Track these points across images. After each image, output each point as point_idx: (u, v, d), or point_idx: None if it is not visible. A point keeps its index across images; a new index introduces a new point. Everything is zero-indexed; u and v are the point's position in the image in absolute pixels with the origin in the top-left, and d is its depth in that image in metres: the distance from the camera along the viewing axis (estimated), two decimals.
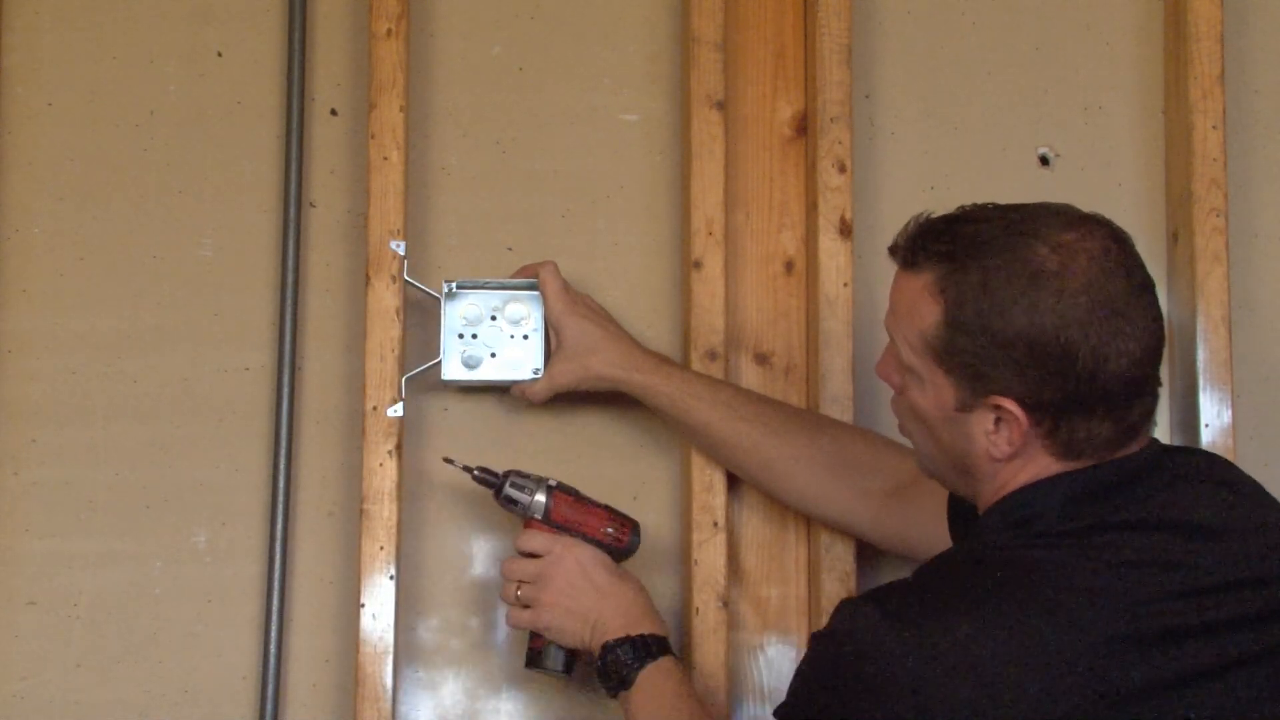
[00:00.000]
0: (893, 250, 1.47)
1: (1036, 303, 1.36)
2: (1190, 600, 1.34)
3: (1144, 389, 1.40)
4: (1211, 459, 1.55)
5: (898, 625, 1.33)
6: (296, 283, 1.91)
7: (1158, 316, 1.41)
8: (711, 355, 1.87)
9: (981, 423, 1.41)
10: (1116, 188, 2.00)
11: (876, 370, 1.55)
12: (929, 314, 1.41)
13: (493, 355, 1.85)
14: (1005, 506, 1.43)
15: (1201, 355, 1.89)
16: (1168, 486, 1.42)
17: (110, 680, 1.86)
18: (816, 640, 1.42)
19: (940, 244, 1.42)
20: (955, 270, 1.40)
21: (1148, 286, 1.41)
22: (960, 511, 1.61)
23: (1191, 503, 1.42)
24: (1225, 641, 1.34)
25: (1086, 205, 1.46)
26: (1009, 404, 1.38)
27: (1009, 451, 1.41)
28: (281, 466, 1.88)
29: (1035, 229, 1.39)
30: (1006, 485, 1.43)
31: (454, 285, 1.85)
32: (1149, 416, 1.42)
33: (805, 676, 1.42)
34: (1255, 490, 1.48)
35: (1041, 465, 1.41)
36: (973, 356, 1.39)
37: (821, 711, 1.38)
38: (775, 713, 1.44)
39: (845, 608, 1.40)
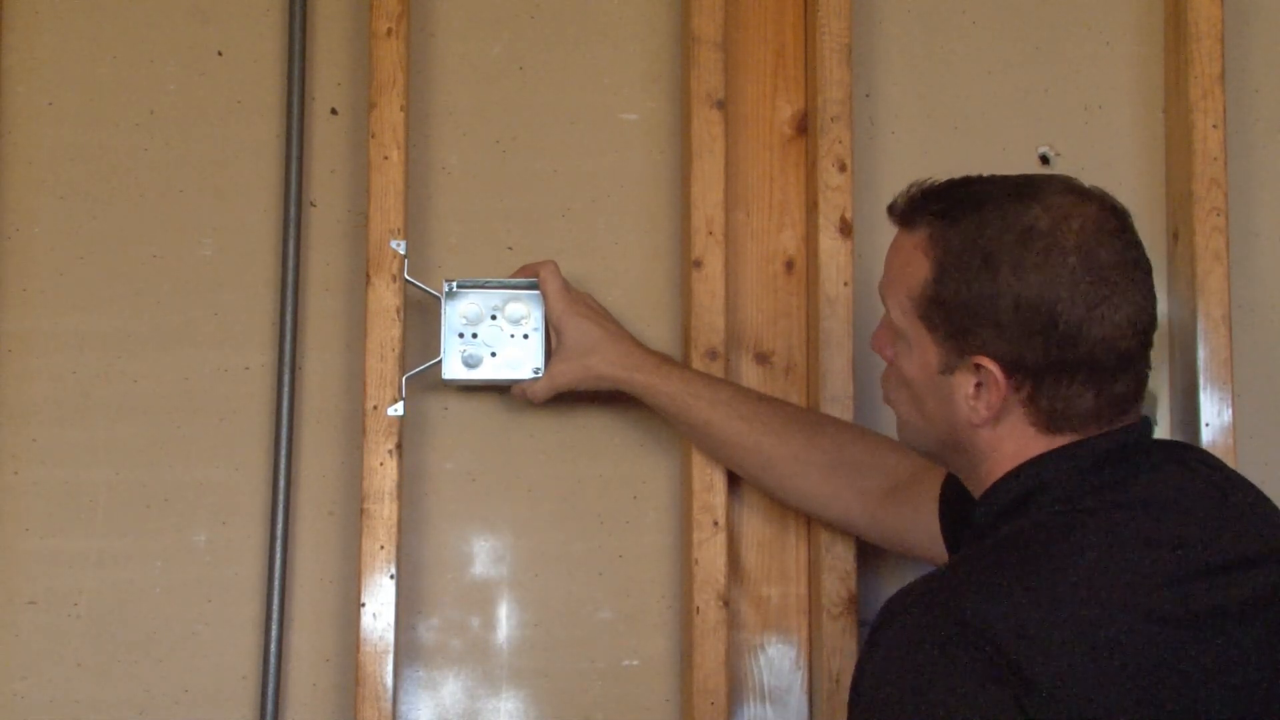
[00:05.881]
0: (891, 209, 1.47)
1: (1023, 259, 1.36)
2: (1193, 583, 1.32)
3: (1129, 362, 1.38)
4: (1189, 447, 1.54)
5: (978, 597, 1.28)
6: (296, 282, 1.91)
7: (1150, 295, 1.40)
8: (712, 354, 1.87)
9: (963, 386, 1.40)
10: (1117, 187, 1.95)
11: (872, 342, 1.53)
12: (919, 271, 1.41)
13: (493, 354, 1.85)
14: (1002, 487, 1.40)
15: (1201, 355, 1.89)
16: (1159, 466, 1.40)
17: (110, 680, 1.86)
18: (882, 648, 1.32)
19: (938, 202, 1.42)
20: (948, 226, 1.40)
21: (1141, 264, 1.40)
22: (951, 510, 1.60)
23: (1182, 484, 1.40)
24: (1216, 626, 1.34)
25: None
26: (988, 363, 1.37)
27: (987, 416, 1.39)
28: (281, 466, 1.88)
29: (1033, 191, 1.39)
30: (990, 457, 1.41)
31: (454, 284, 1.85)
32: (1137, 395, 1.40)
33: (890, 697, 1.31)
34: (1232, 473, 1.46)
35: (1023, 437, 1.40)
36: (957, 313, 1.38)
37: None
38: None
39: (905, 614, 1.32)
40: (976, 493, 1.45)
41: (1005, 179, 1.43)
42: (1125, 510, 1.35)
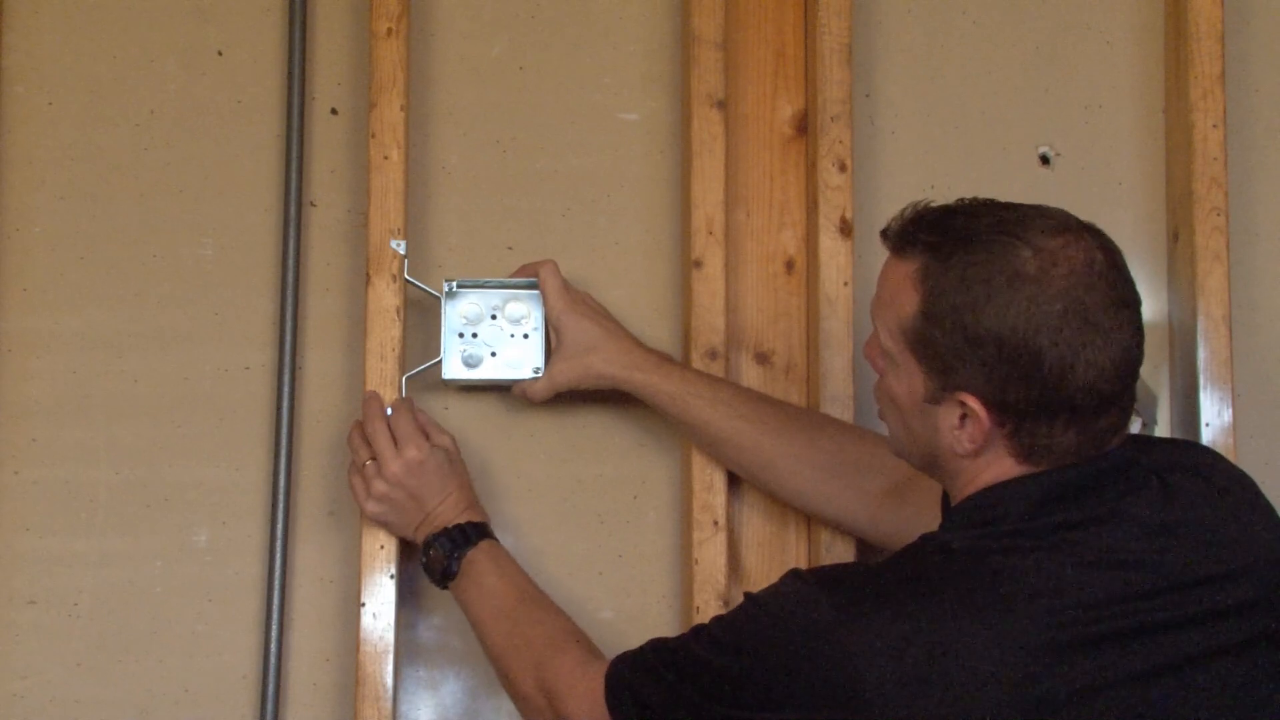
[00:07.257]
0: (884, 234, 1.48)
1: (1010, 304, 1.37)
2: (1151, 600, 1.36)
3: (1112, 403, 1.40)
4: (1191, 449, 1.55)
5: (846, 612, 1.36)
6: (296, 282, 1.91)
7: (1136, 334, 1.40)
8: (712, 354, 1.87)
9: (948, 417, 1.42)
10: (1117, 187, 2.00)
11: (864, 352, 1.56)
12: (909, 303, 1.42)
13: (493, 354, 1.85)
14: (971, 505, 1.44)
15: (1202, 355, 1.89)
16: (1141, 484, 1.42)
17: (110, 680, 1.86)
18: (756, 606, 1.44)
19: (929, 234, 1.43)
20: (938, 262, 1.41)
21: (1129, 302, 1.40)
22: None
23: (1161, 500, 1.42)
24: (1182, 639, 1.36)
25: (1087, 204, 1.46)
26: (972, 401, 1.39)
27: (971, 449, 1.42)
28: (281, 466, 1.87)
29: (1023, 231, 1.39)
30: (971, 483, 1.44)
31: (454, 284, 1.85)
32: (1118, 429, 1.42)
33: (738, 638, 1.44)
34: (1230, 480, 1.48)
35: (1003, 467, 1.42)
36: (944, 350, 1.40)
37: (747, 675, 1.40)
38: (695, 633, 1.49)
39: (794, 586, 1.42)
40: (953, 503, 1.49)
41: (998, 211, 1.43)
42: (1081, 531, 1.39)
